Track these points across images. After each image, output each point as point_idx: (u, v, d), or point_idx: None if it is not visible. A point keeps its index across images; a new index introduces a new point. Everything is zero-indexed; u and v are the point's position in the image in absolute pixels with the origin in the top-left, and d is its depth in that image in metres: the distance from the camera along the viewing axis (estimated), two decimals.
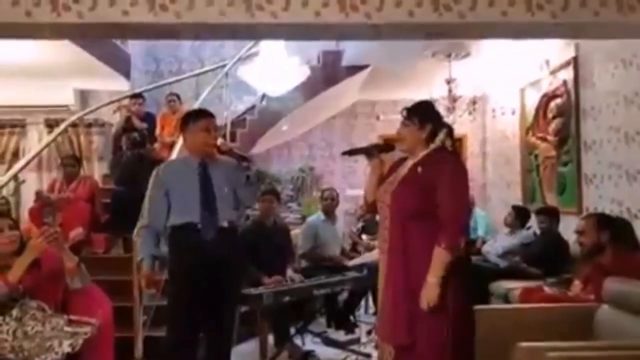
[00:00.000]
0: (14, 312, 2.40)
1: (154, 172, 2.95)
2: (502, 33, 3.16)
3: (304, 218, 6.23)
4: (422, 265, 2.24)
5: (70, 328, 2.39)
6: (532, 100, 6.07)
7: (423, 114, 2.43)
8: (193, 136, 2.88)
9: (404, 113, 2.46)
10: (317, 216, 5.02)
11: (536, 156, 6.01)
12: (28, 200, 4.81)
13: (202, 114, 2.95)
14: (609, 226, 3.25)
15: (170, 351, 2.83)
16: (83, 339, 2.34)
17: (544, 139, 5.80)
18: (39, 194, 4.69)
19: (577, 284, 3.52)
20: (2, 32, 2.93)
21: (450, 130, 2.45)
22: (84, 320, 2.47)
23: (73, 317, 2.49)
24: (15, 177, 4.16)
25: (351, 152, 2.72)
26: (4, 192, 4.70)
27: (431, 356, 2.23)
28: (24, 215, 4.78)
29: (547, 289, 3.72)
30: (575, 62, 5.12)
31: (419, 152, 2.40)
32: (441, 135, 2.40)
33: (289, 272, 4.16)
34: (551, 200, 5.59)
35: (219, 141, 2.94)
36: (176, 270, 2.84)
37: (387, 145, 2.62)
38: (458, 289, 2.24)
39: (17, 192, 4.44)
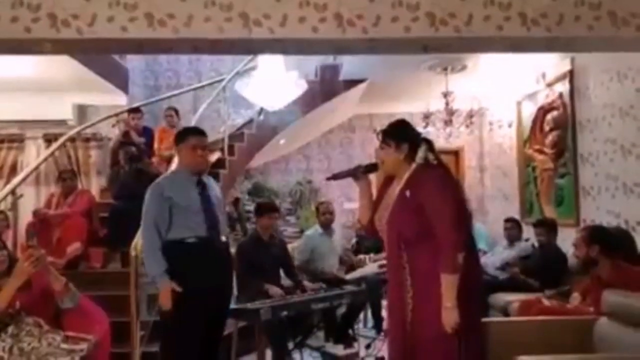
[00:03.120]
0: (10, 329, 2.40)
1: (154, 185, 2.91)
2: (498, 47, 3.17)
3: (302, 231, 6.21)
4: (428, 289, 2.21)
5: (67, 345, 2.38)
6: (529, 113, 6.11)
7: (398, 135, 2.40)
8: (186, 153, 2.95)
9: (379, 136, 2.43)
10: (315, 229, 5.03)
11: (533, 168, 6.03)
12: (26, 215, 4.79)
13: (192, 132, 3.02)
14: (600, 240, 3.22)
15: None
16: (80, 357, 2.33)
17: (541, 152, 5.83)
18: (36, 213, 4.69)
19: (575, 296, 3.52)
20: (1, 48, 2.94)
21: (430, 144, 2.41)
22: (80, 337, 2.46)
23: (70, 334, 2.47)
24: (13, 191, 4.15)
25: (336, 177, 2.66)
26: (2, 206, 4.69)
27: None
28: (22, 230, 4.77)
29: (545, 302, 3.71)
30: (571, 75, 5.16)
31: (403, 173, 2.36)
32: (421, 153, 2.36)
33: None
34: (549, 212, 5.60)
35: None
36: (190, 287, 2.72)
37: (372, 165, 2.56)
38: (465, 304, 2.19)
39: (15, 206, 4.41)
